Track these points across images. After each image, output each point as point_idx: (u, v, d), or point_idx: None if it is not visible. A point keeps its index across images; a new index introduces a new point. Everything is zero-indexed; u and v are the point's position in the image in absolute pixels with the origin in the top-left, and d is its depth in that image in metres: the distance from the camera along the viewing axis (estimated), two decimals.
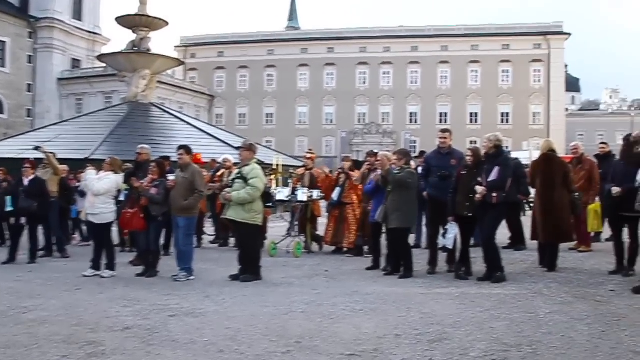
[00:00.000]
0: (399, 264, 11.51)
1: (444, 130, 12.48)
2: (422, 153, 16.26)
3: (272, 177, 16.26)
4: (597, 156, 15.75)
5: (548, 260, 11.90)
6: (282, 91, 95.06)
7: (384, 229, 12.12)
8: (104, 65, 63.80)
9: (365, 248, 14.44)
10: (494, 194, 10.50)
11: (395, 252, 11.63)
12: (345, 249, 14.96)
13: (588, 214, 13.82)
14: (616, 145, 16.08)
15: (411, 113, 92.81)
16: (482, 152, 11.09)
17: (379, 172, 12.03)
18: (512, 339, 6.94)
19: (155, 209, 11.96)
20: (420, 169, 13.74)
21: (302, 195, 15.35)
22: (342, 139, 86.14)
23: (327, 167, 18.83)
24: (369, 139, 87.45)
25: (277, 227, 19.18)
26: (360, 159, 31.51)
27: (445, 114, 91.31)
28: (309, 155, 16.50)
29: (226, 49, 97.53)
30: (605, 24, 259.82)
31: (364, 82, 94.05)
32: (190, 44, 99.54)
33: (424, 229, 14.52)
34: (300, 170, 16.51)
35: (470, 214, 10.86)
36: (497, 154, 10.88)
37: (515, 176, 12.61)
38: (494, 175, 10.60)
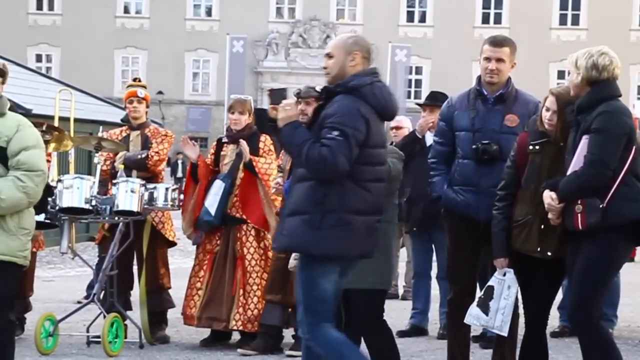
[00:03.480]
0: None
1: (494, 43, 5.70)
2: (433, 98, 8.01)
3: (52, 146, 7.09)
4: None
5: None
6: None
7: None
8: None
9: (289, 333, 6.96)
10: (579, 206, 4.84)
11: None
12: (233, 334, 7.14)
13: None
14: None
15: (410, 3, 47.75)
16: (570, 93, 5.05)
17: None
18: None
19: None
20: (430, 137, 7.14)
21: (128, 196, 6.77)
22: (233, 55, 38.50)
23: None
24: (305, 58, 47.33)
25: (61, 279, 11.26)
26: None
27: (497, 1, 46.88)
28: (133, 91, 7.49)
29: None
30: None
31: None
32: None
33: (434, 287, 7.91)
34: (116, 133, 7.69)
35: (551, 254, 5.15)
36: (594, 100, 4.86)
37: None
38: (577, 157, 4.92)
